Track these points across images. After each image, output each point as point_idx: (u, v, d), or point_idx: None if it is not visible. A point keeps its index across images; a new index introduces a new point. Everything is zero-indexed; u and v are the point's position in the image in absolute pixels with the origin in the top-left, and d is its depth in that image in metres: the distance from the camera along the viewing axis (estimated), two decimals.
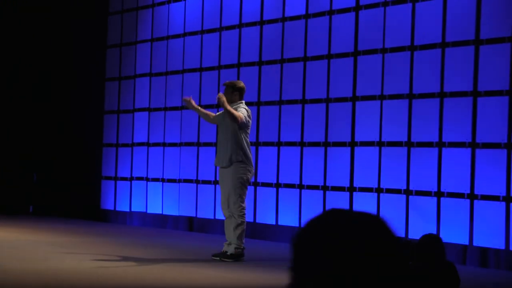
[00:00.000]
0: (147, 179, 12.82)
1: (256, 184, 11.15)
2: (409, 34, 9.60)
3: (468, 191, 8.96)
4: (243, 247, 8.59)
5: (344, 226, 1.34)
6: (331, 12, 10.45)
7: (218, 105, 9.35)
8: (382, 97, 9.85)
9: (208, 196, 11.77)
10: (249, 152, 8.69)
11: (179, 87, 12.37)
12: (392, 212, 9.68)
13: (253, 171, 8.79)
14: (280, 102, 10.98)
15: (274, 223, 10.92)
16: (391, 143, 9.74)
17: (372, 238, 1.34)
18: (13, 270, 7.36)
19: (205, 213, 11.89)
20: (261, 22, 11.27)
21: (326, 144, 10.42)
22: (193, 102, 8.67)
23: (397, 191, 9.62)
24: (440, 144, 9.26)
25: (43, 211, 14.20)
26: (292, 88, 10.84)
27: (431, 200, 9.28)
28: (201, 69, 12.07)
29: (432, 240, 4.93)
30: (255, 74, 11.28)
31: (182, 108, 12.37)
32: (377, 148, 9.86)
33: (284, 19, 11.00)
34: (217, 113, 8.89)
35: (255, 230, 11.07)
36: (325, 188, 10.37)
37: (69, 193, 13.91)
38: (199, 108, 8.82)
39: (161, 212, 12.49)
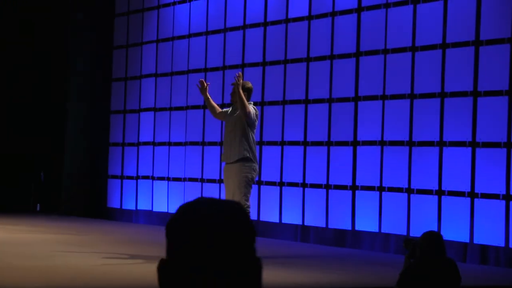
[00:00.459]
0: (153, 178, 12.87)
1: (260, 182, 11.20)
2: (410, 35, 9.64)
3: (469, 190, 9.01)
4: None
5: (204, 215, 1.46)
6: (333, 14, 10.48)
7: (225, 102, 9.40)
8: (384, 97, 9.90)
9: (213, 194, 11.78)
10: (255, 149, 8.78)
11: (184, 87, 12.42)
12: (393, 210, 9.76)
13: (258, 169, 8.85)
14: (284, 102, 11.03)
15: (277, 221, 10.98)
16: (392, 143, 9.80)
17: (225, 228, 1.45)
18: (20, 268, 7.41)
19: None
20: (265, 24, 11.31)
21: (329, 143, 10.47)
22: (207, 89, 8.75)
23: (399, 190, 9.68)
24: (441, 144, 9.30)
25: (50, 209, 14.23)
26: (296, 88, 10.88)
27: (432, 199, 9.35)
28: (206, 70, 12.11)
29: (433, 237, 4.94)
30: (259, 75, 11.32)
31: (187, 108, 12.45)
32: (379, 147, 9.91)
33: (287, 21, 11.04)
34: (223, 109, 8.97)
35: (259, 228, 11.11)
36: (327, 186, 10.42)
37: (75, 192, 13.92)
38: (210, 97, 8.85)
39: (166, 210, 12.53)
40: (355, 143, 10.18)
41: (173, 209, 12.45)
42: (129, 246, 9.48)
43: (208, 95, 8.77)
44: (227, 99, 9.09)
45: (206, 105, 11.95)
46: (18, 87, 14.39)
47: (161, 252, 1.68)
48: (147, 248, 9.21)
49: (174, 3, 12.73)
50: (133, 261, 8.20)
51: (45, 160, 14.52)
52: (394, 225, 9.75)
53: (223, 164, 8.89)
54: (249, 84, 8.84)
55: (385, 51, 9.90)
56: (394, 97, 9.82)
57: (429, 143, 9.43)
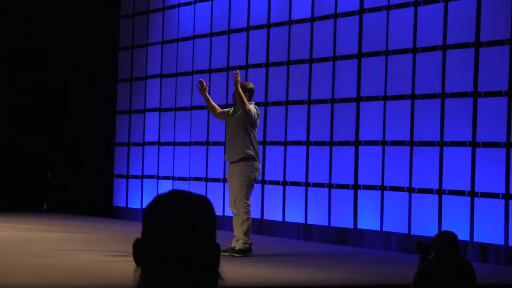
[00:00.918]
0: (158, 177, 12.91)
1: (263, 182, 11.24)
2: (412, 36, 9.68)
3: (469, 189, 9.05)
4: (250, 242, 8.70)
5: (171, 206, 1.75)
6: (336, 16, 10.52)
7: (225, 105, 9.49)
8: (385, 98, 9.94)
9: (217, 193, 11.85)
10: (257, 148, 8.83)
11: (189, 88, 12.46)
12: (395, 209, 9.80)
13: (260, 168, 8.91)
14: (287, 103, 11.07)
15: (281, 219, 11.02)
16: (394, 142, 9.84)
17: (188, 218, 1.74)
18: (27, 265, 7.42)
19: (214, 210, 12.01)
20: (268, 25, 11.35)
21: (331, 143, 10.51)
22: (206, 89, 8.76)
23: (400, 189, 9.73)
24: (442, 143, 9.34)
25: (57, 208, 14.27)
26: (298, 89, 10.91)
27: (433, 198, 9.40)
28: (210, 71, 12.14)
29: (447, 237, 4.84)
30: (263, 76, 11.37)
31: (191, 108, 12.49)
32: (381, 147, 9.96)
33: (290, 22, 11.08)
34: (224, 110, 8.99)
35: (262, 227, 11.14)
36: (330, 186, 10.46)
37: (82, 191, 13.95)
38: (209, 97, 8.87)
39: None
40: (357, 143, 10.23)
41: None
42: None
43: (208, 95, 8.78)
44: (231, 100, 9.16)
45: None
46: (22, 87, 14.36)
47: None
48: None
49: (179, 5, 12.75)
50: None
51: (52, 159, 14.57)
52: (395, 224, 9.80)
53: (227, 163, 8.97)
54: (251, 85, 8.89)
55: (387, 53, 9.94)
56: (395, 97, 9.85)
57: (430, 143, 9.47)
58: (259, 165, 8.84)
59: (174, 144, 12.71)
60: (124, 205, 13.51)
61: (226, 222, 11.71)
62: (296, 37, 11.02)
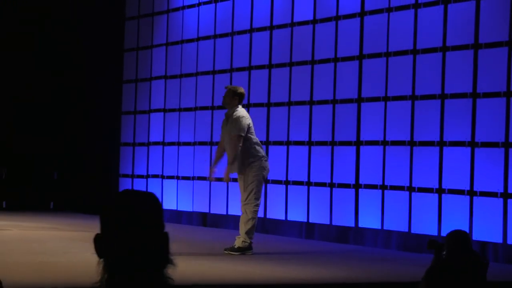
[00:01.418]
0: (163, 177, 12.96)
1: (266, 181, 11.32)
2: (412, 38, 9.71)
3: (468, 188, 9.08)
4: (250, 241, 8.76)
5: (122, 205, 1.99)
6: (337, 18, 10.55)
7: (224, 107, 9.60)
8: (386, 99, 9.97)
9: (221, 193, 11.88)
10: (259, 149, 8.89)
11: (193, 89, 12.50)
12: (395, 208, 9.82)
13: (268, 166, 8.99)
14: (289, 103, 11.10)
15: (283, 218, 11.07)
16: (394, 142, 9.87)
17: (138, 212, 1.98)
18: (34, 264, 7.48)
19: (218, 209, 11.94)
20: (271, 27, 11.38)
21: (333, 143, 10.55)
22: (213, 173, 9.26)
23: (401, 188, 9.77)
24: (441, 143, 9.37)
25: (63, 207, 14.31)
26: (300, 90, 10.94)
27: (433, 197, 9.44)
28: (214, 72, 12.19)
29: (458, 235, 4.89)
30: (265, 77, 11.40)
31: (196, 109, 12.52)
32: (381, 147, 9.99)
33: (292, 24, 11.11)
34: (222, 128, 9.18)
35: (265, 225, 11.17)
36: (332, 185, 10.50)
37: (88, 190, 13.94)
38: (216, 162, 9.25)
39: (176, 208, 12.59)
40: (358, 143, 10.27)
41: (182, 207, 12.67)
42: None
43: (213, 170, 9.28)
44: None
45: (214, 107, 12.22)
46: (39, 89, 14.48)
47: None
48: None
49: (183, 7, 12.76)
50: None
51: (58, 159, 14.64)
52: (396, 222, 9.84)
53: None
54: (241, 90, 8.99)
55: (387, 54, 9.96)
56: (396, 98, 9.88)
57: (430, 143, 9.50)
58: (267, 163, 8.92)
59: (179, 144, 12.76)
60: None
61: (229, 221, 11.80)
62: (298, 39, 11.05)
